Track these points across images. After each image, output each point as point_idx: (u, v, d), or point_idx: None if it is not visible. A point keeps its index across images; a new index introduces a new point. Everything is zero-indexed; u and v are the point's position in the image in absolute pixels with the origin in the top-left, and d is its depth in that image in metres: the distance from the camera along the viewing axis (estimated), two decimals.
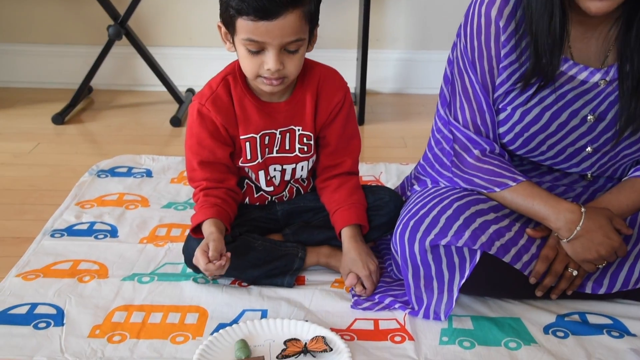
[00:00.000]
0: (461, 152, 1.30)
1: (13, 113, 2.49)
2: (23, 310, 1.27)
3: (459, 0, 1.74)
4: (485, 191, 1.27)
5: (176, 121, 2.42)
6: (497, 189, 1.25)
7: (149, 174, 1.95)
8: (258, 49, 1.21)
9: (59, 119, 2.38)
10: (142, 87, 2.80)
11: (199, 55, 2.75)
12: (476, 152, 1.28)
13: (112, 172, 1.95)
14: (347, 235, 1.37)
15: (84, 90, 2.53)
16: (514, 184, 1.24)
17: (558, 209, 1.21)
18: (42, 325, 1.23)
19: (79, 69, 2.60)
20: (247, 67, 1.25)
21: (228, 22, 1.23)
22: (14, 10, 2.67)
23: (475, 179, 1.28)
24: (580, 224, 1.19)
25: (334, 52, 2.53)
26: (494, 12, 1.21)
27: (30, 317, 1.25)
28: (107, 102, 2.66)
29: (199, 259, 1.20)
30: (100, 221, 1.64)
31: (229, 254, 1.22)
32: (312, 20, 1.24)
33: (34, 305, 1.29)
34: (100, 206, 1.72)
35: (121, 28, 2.43)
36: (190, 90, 2.74)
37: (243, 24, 1.19)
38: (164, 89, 2.60)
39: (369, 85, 2.50)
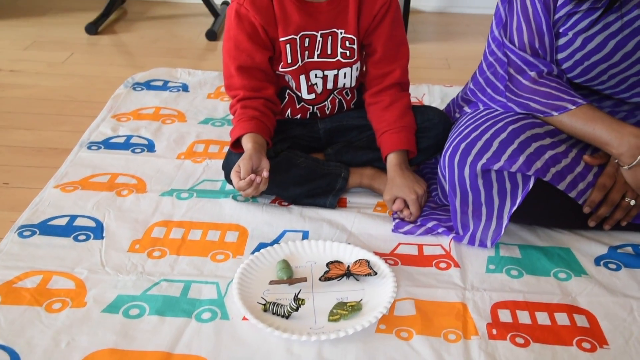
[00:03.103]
0: (516, 75, 1.22)
1: (46, 21, 2.44)
2: (63, 222, 1.26)
3: None
4: (542, 115, 1.20)
5: (212, 34, 2.34)
6: (555, 113, 1.18)
7: (185, 88, 1.90)
8: None
9: (93, 28, 2.32)
10: None
11: None
12: (532, 74, 1.20)
13: (148, 85, 1.90)
14: (392, 162, 1.32)
15: None
16: (574, 107, 1.17)
17: (622, 133, 1.14)
18: (82, 237, 1.22)
19: None
20: None
21: None
22: None
23: (532, 103, 1.21)
24: None
25: None
26: None
27: (69, 229, 1.24)
28: (141, 13, 2.59)
29: (232, 177, 1.17)
30: (137, 135, 1.61)
31: (265, 174, 1.17)
32: None
33: (74, 217, 1.27)
34: (137, 120, 1.69)
35: None
36: (226, 3, 2.65)
37: None
38: (199, 0, 2.51)
39: (411, 3, 2.39)
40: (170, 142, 1.59)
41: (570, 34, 1.17)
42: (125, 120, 1.68)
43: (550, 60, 1.21)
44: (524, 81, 1.22)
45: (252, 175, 1.15)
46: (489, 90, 1.28)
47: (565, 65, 1.21)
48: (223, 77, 1.33)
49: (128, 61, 2.18)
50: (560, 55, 1.20)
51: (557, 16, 1.17)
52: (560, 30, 1.18)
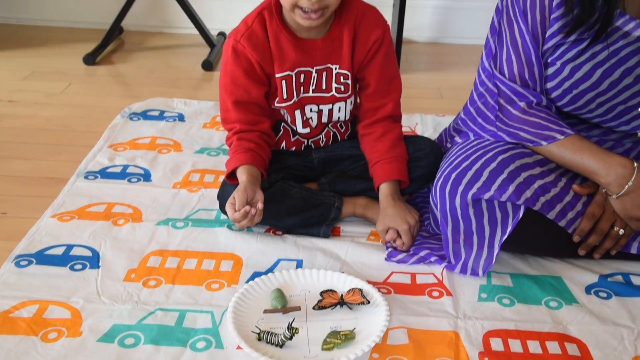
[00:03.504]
0: (506, 105, 1.25)
1: (44, 52, 2.47)
2: (59, 251, 1.27)
3: None
4: (531, 145, 1.23)
5: (208, 65, 2.37)
6: (544, 143, 1.21)
7: (181, 118, 1.92)
8: None
9: (90, 59, 2.36)
10: (172, 29, 2.76)
11: None
12: (522, 104, 1.23)
13: (145, 115, 1.92)
14: (385, 192, 1.34)
15: (115, 30, 2.49)
16: (562, 137, 1.19)
17: (609, 163, 1.16)
18: (78, 267, 1.23)
19: (110, 9, 2.56)
20: None
21: None
22: None
23: (521, 132, 1.23)
24: (633, 179, 1.14)
25: None
26: None
27: (66, 259, 1.25)
28: (138, 44, 2.62)
29: (227, 209, 1.19)
30: (133, 164, 1.63)
31: (260, 206, 1.19)
32: None
33: (70, 247, 1.28)
34: (133, 149, 1.71)
35: None
36: (222, 34, 2.69)
37: None
38: (195, 31, 2.55)
39: (403, 33, 2.43)
40: (166, 171, 1.61)
41: (559, 63, 1.20)
42: (122, 150, 1.70)
43: (540, 91, 1.24)
44: (513, 111, 1.24)
45: (247, 207, 1.17)
46: (479, 120, 1.30)
47: (554, 94, 1.24)
48: (220, 110, 1.36)
49: (125, 91, 2.21)
50: (549, 84, 1.23)
51: (545, 47, 1.21)
52: (549, 60, 1.21)
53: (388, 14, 2.50)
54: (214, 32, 2.62)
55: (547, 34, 1.19)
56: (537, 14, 1.18)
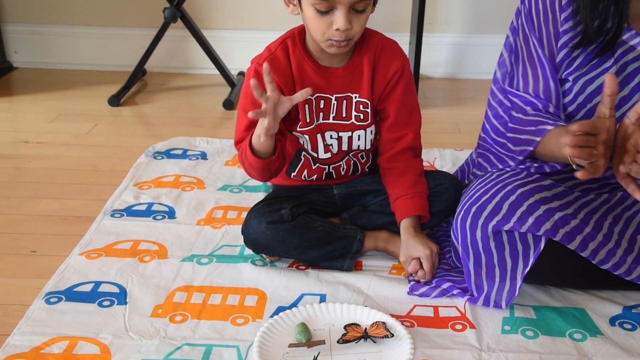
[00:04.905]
0: (516, 115, 1.28)
1: (71, 94, 2.55)
2: (87, 288, 1.30)
3: None
4: (530, 147, 1.21)
5: (229, 104, 2.43)
6: (537, 138, 1.19)
7: (203, 156, 1.96)
8: (327, 9, 1.21)
9: (115, 100, 2.42)
10: (194, 69, 2.82)
11: (251, 38, 2.75)
12: (528, 108, 1.26)
13: (168, 154, 1.97)
14: (405, 225, 1.36)
15: (139, 72, 2.56)
16: (552, 127, 1.16)
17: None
18: (106, 303, 1.25)
19: (134, 52, 2.64)
20: (315, 28, 1.24)
21: None
22: None
23: (521, 135, 1.24)
24: None
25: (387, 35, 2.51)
26: None
27: (94, 295, 1.28)
28: (160, 85, 2.69)
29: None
30: (158, 202, 1.66)
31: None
32: None
33: (98, 284, 1.31)
34: (158, 187, 1.75)
35: (177, 11, 2.44)
36: (242, 74, 2.75)
37: None
38: (215, 72, 2.61)
39: (420, 70, 2.47)
40: (190, 208, 1.64)
41: (571, 78, 1.23)
42: (146, 188, 1.74)
43: (556, 104, 1.25)
44: (518, 115, 1.28)
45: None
46: (492, 134, 1.35)
47: (570, 109, 1.26)
48: (234, 132, 1.36)
49: (149, 131, 2.26)
50: (566, 99, 1.26)
51: (558, 60, 1.23)
52: (563, 76, 1.24)
53: (405, 51, 2.54)
54: (234, 72, 2.68)
55: (559, 46, 1.22)
56: (551, 28, 1.22)
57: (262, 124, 1.19)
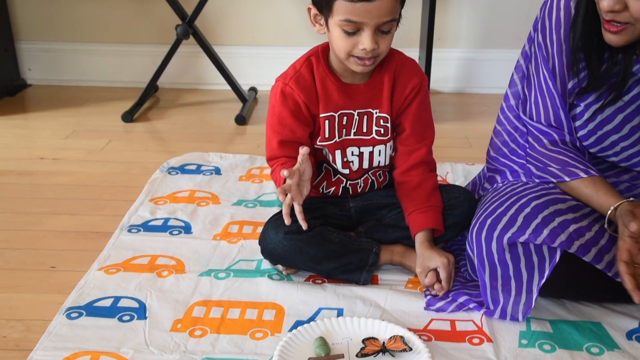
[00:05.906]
0: (533, 143, 1.32)
1: (84, 111, 2.58)
2: (107, 303, 1.32)
3: None
4: (554, 180, 1.27)
5: (241, 119, 2.45)
6: (567, 178, 1.24)
7: (217, 171, 1.98)
8: (354, 30, 1.24)
9: (128, 117, 2.45)
10: (206, 85, 2.86)
11: (262, 55, 2.79)
12: (545, 141, 1.29)
13: (182, 169, 1.99)
14: (420, 239, 1.38)
15: (151, 89, 2.59)
16: (586, 175, 1.22)
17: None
18: (126, 318, 1.27)
19: (146, 68, 2.68)
20: (341, 47, 1.27)
21: (324, 4, 1.25)
22: (85, 11, 2.76)
23: (548, 166, 1.28)
24: None
25: None
26: (573, 4, 1.19)
27: (114, 310, 1.29)
28: (173, 101, 2.72)
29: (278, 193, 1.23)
30: (174, 217, 1.68)
31: (304, 150, 1.23)
32: (403, 1, 1.27)
33: (117, 299, 1.33)
34: (173, 202, 1.77)
35: (189, 27, 2.48)
36: (253, 89, 2.78)
37: (342, 5, 1.21)
38: (227, 87, 2.64)
39: (430, 85, 2.49)
40: (205, 223, 1.65)
41: (583, 105, 1.25)
42: (162, 204, 1.76)
43: (569, 131, 1.28)
44: (539, 147, 1.31)
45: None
46: (504, 150, 1.39)
47: (581, 133, 1.28)
48: (265, 149, 1.42)
49: (162, 147, 2.29)
50: (577, 123, 1.28)
51: (570, 88, 1.26)
52: (575, 102, 1.26)
53: None
54: (245, 88, 2.71)
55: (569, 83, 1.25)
56: (564, 58, 1.24)
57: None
